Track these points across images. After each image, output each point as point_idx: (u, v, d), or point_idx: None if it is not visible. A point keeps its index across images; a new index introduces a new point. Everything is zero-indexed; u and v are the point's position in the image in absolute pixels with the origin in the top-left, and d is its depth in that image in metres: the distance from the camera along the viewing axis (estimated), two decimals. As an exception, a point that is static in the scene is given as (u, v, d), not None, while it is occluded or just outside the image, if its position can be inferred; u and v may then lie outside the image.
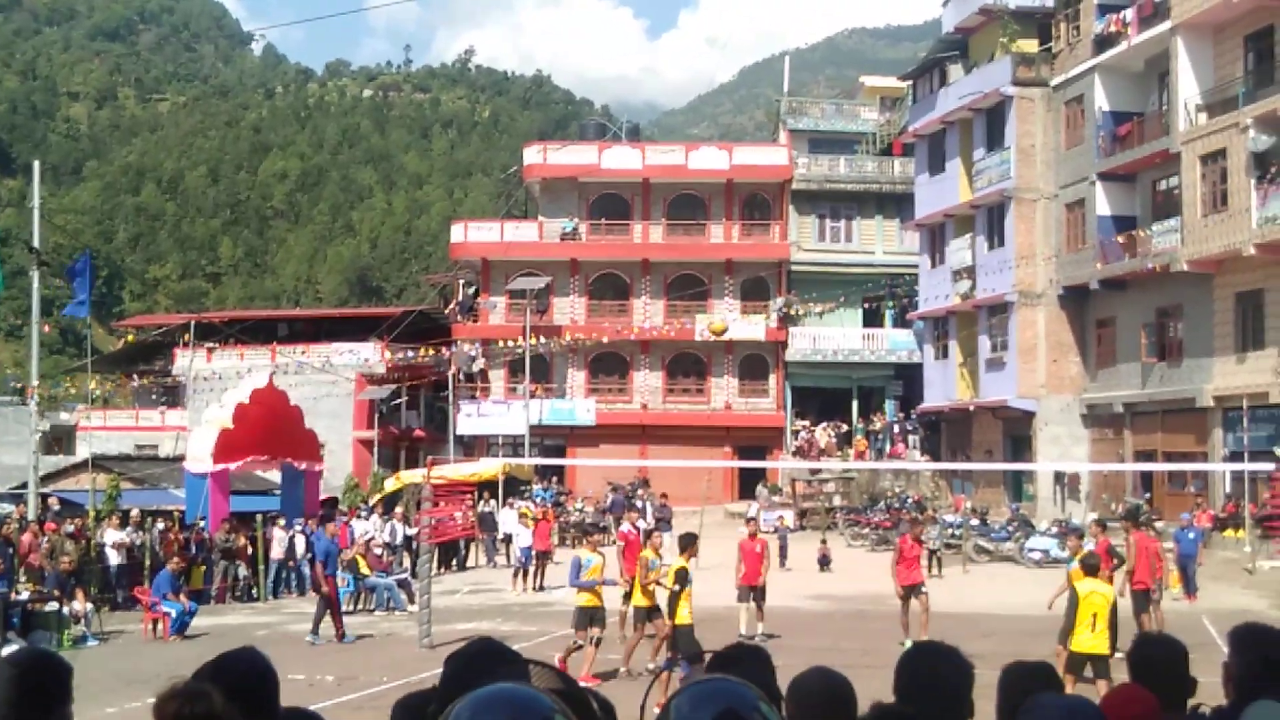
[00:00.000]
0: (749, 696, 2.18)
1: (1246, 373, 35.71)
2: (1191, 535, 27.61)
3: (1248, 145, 34.70)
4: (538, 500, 40.64)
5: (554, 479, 49.70)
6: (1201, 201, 36.95)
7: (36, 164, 36.62)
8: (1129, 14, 40.41)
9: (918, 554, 21.71)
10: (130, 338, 64.93)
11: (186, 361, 59.70)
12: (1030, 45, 45.30)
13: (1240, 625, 4.60)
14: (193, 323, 63.37)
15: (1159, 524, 36.45)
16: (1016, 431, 45.25)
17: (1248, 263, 35.27)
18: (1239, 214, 35.17)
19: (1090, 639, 13.76)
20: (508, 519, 37.29)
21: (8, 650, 18.57)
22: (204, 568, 29.49)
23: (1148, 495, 39.70)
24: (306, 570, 31.56)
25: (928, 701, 3.66)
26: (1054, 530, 36.11)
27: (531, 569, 30.68)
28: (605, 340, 55.95)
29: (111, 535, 28.20)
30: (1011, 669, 4.08)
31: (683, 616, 15.61)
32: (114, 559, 27.89)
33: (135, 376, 56.69)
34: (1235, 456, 34.95)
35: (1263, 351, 35.27)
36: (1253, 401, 35.00)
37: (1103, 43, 41.64)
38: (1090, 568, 14.81)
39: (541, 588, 30.45)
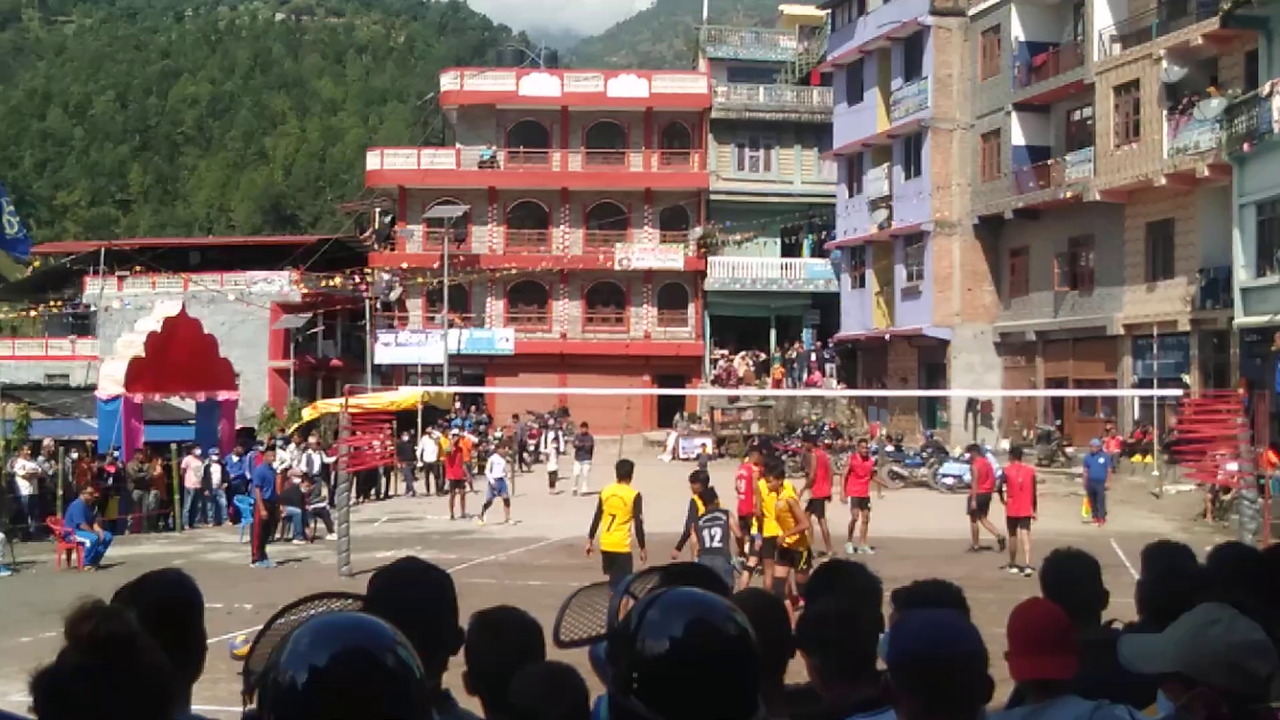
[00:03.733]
0: (722, 605, 2.18)
1: (1156, 301, 36.32)
2: (1101, 460, 28.13)
3: (1160, 76, 35.10)
4: (454, 429, 40.56)
5: (474, 408, 49.59)
6: (1114, 132, 37.38)
7: (-62, 86, 35.63)
8: (1046, -56, 40.58)
9: (869, 469, 24.81)
10: (37, 265, 63.57)
11: (97, 290, 58.69)
12: (948, -26, 45.37)
13: (1151, 544, 4.71)
14: (103, 250, 62.22)
15: (1069, 450, 37.33)
16: (931, 359, 45.77)
17: (1159, 193, 35.74)
18: (1151, 145, 35.61)
19: (611, 537, 15.67)
20: (428, 448, 37.40)
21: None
22: (118, 498, 29.20)
23: (1059, 422, 40.40)
24: (223, 500, 31.45)
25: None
26: (966, 456, 36.67)
27: (506, 498, 29.66)
28: (525, 270, 55.82)
29: (23, 465, 27.81)
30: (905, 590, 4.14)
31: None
32: (25, 489, 27.53)
33: (44, 305, 55.61)
34: (1144, 383, 35.60)
35: (1172, 280, 35.85)
36: (1162, 329, 35.63)
37: (1020, -28, 41.77)
38: (623, 473, 16.15)
39: (457, 516, 30.50)
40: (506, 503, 29.50)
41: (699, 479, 16.10)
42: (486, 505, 29.76)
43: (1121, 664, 3.30)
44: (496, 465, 30.55)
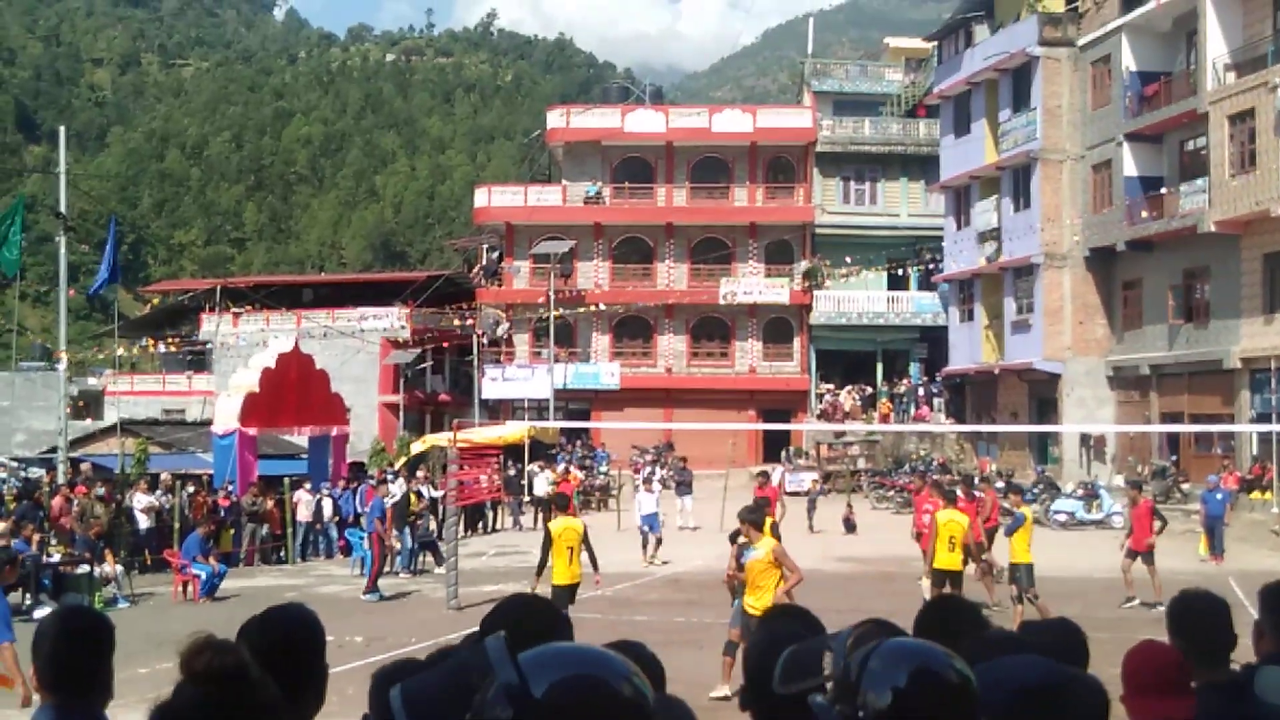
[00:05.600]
0: (942, 654, 2.18)
1: (1274, 334, 35.49)
2: (1219, 497, 27.50)
3: (1276, 104, 34.39)
4: (562, 463, 40.75)
5: (579, 443, 49.80)
6: (1229, 162, 36.66)
7: (62, 130, 36.77)
8: (1157, -28, 40.01)
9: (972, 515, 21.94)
10: (155, 302, 65.14)
11: (213, 326, 59.98)
12: (1057, 4, 44.92)
13: (1271, 584, 4.59)
14: (218, 288, 63.60)
15: (1186, 486, 36.52)
16: (1042, 394, 45.11)
17: (1276, 223, 34.99)
18: (1267, 174, 34.88)
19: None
20: (540, 482, 37.51)
21: (40, 612, 18.78)
22: (232, 531, 29.71)
23: (1174, 457, 39.56)
24: (334, 533, 31.85)
25: None
26: (1079, 493, 36.06)
27: (658, 537, 27.74)
28: (630, 304, 56.04)
29: (141, 499, 28.41)
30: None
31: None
32: (143, 523, 28.11)
33: (162, 341, 56.92)
34: (1263, 418, 34.78)
35: (1291, 313, 35.05)
36: (1280, 363, 34.82)
37: (1130, 2, 41.25)
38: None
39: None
40: (658, 541, 27.72)
41: (752, 519, 14.04)
42: (645, 543, 27.90)
43: (1257, 694, 3.23)
44: (645, 502, 28.70)
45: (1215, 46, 37.46)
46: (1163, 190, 40.07)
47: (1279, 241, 35.48)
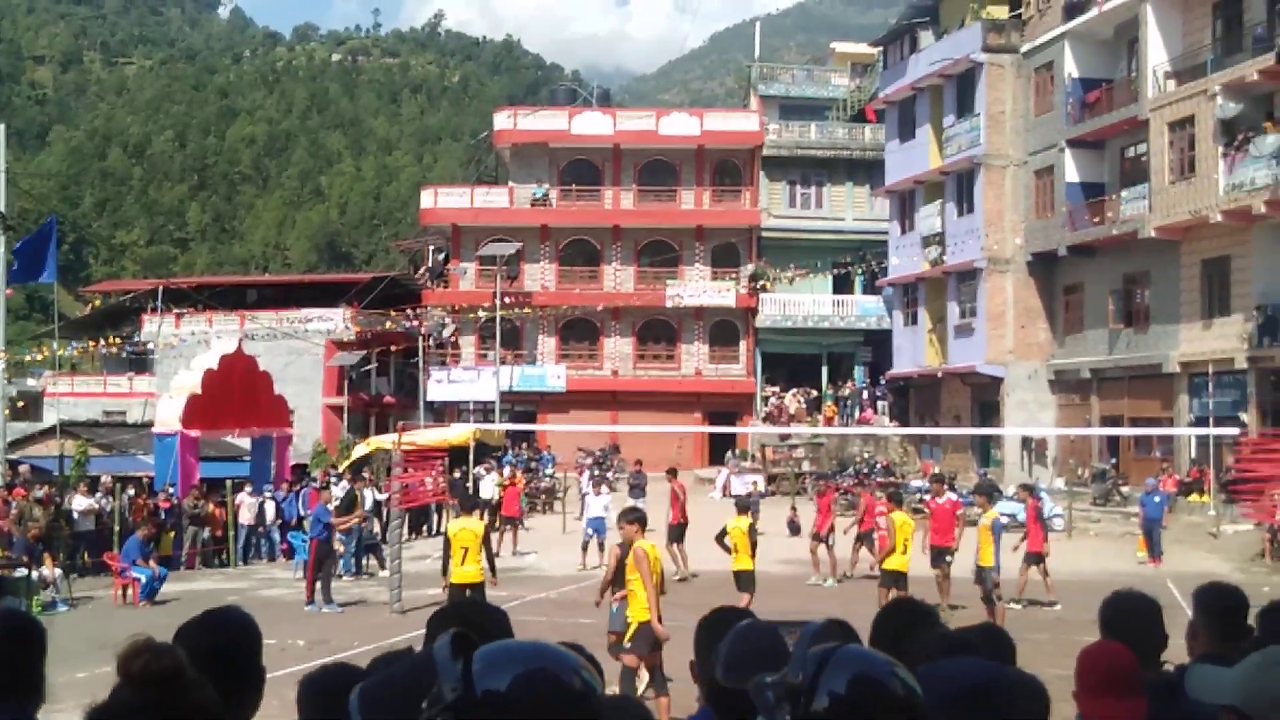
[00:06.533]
0: (885, 664, 2.21)
1: (1212, 339, 35.96)
2: (1157, 499, 27.83)
3: (1216, 112, 34.85)
4: (508, 465, 40.62)
5: (524, 445, 49.69)
6: (1169, 168, 37.11)
7: (2, 128, 36.22)
8: (1099, -20, 40.45)
9: (949, 516, 21.69)
10: (97, 303, 64.36)
11: (155, 327, 59.28)
12: (1001, 11, 45.36)
13: (1205, 585, 4.67)
14: (161, 288, 62.90)
15: (1125, 489, 36.91)
16: (984, 397, 45.48)
17: (1215, 229, 35.45)
18: (1206, 181, 35.34)
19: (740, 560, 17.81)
20: (487, 485, 37.30)
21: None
22: (174, 534, 29.44)
23: (1114, 460, 40.00)
24: (276, 536, 31.64)
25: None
26: (1020, 495, 36.33)
27: (601, 541, 26.23)
28: (577, 307, 56.00)
29: (80, 501, 28.11)
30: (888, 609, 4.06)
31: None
32: (83, 525, 27.82)
33: (103, 342, 56.22)
34: (1201, 422, 35.22)
35: (1228, 318, 35.49)
36: (1218, 367, 35.27)
37: (1072, 9, 41.67)
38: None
39: (515, 553, 30.45)
40: (601, 546, 26.05)
41: (634, 518, 12.73)
42: (585, 545, 27.34)
43: (1188, 693, 3.27)
44: (593, 503, 27.98)
45: (1156, 54, 37.92)
46: (1104, 196, 40.52)
47: (1218, 247, 35.96)
